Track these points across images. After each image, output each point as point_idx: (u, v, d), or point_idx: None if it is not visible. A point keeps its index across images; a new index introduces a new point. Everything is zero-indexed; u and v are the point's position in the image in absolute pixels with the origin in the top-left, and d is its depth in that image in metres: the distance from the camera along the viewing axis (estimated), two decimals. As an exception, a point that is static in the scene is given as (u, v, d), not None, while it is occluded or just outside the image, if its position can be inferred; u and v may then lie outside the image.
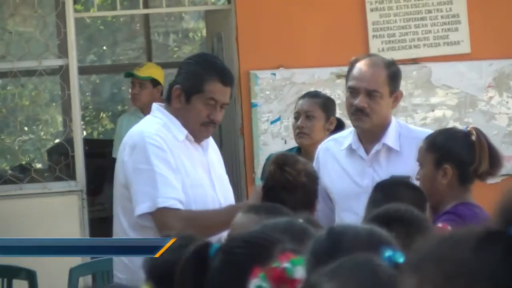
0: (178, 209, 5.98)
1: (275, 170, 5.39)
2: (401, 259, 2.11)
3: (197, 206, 6.04)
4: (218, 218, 5.91)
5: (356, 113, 6.03)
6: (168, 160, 6.06)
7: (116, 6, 10.81)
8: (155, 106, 6.32)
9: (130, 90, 11.24)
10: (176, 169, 6.10)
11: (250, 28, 10.22)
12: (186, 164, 6.10)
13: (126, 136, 6.28)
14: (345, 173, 6.24)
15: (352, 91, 6.05)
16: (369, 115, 6.02)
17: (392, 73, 6.12)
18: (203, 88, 5.95)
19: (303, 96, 7.64)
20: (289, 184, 5.24)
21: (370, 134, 6.14)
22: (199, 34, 15.52)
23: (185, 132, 5.99)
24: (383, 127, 6.15)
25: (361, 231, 2.73)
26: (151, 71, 10.73)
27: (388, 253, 2.25)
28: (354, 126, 6.17)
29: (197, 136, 6.15)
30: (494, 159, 5.42)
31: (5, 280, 8.41)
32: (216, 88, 6.00)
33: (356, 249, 2.42)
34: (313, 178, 5.49)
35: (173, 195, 5.95)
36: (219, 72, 6.14)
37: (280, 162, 5.44)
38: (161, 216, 6.01)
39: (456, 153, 5.40)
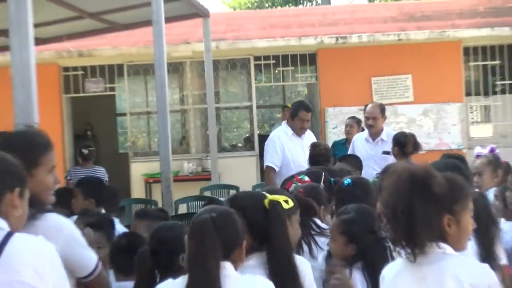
0: (272, 168, 9.08)
1: (312, 148, 8.29)
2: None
3: (295, 165, 8.68)
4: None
5: (368, 126, 9.56)
6: (275, 147, 9.11)
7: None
8: (283, 122, 9.52)
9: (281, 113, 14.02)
10: (281, 150, 9.12)
11: (326, 90, 14.71)
12: (290, 147, 9.07)
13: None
14: (364, 148, 9.37)
15: (367, 117, 9.54)
16: (373, 127, 9.42)
17: (381, 109, 9.53)
18: (297, 114, 9.05)
19: (352, 117, 11.33)
20: (321, 154, 8.13)
21: (375, 133, 9.43)
22: (304, 93, 17.66)
23: (291, 132, 9.08)
24: (380, 131, 9.43)
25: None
26: (289, 106, 11.18)
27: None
28: (370, 133, 9.58)
29: (298, 133, 9.11)
30: (415, 147, 8.46)
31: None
32: (303, 113, 9.09)
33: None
34: (329, 149, 8.56)
35: (271, 160, 9.07)
36: (304, 106, 9.25)
37: (312, 145, 8.41)
38: (266, 170, 9.36)
39: (398, 142, 8.55)
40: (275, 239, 3.66)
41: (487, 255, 4.31)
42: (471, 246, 4.10)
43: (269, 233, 3.66)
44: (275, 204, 3.73)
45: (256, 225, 3.68)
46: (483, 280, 3.23)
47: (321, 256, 4.57)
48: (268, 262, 3.64)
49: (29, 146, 3.70)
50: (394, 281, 3.39)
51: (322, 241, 4.72)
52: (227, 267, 3.27)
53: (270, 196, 3.75)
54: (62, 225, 3.68)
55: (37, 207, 3.53)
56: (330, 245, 4.42)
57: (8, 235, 3.04)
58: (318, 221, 4.86)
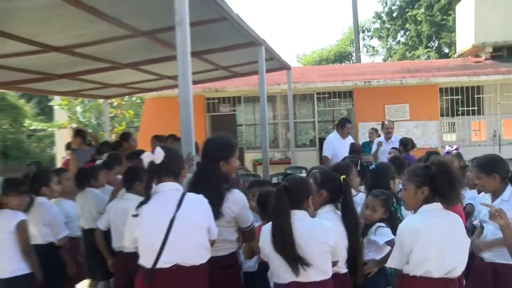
0: (326, 156, 8.84)
1: (351, 146, 8.42)
2: None
3: (340, 155, 7.94)
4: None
5: (387, 133, 9.65)
6: (328, 144, 8.97)
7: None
8: (334, 131, 9.18)
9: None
10: (332, 147, 8.89)
11: (358, 112, 14.51)
12: (337, 145, 8.89)
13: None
14: (382, 147, 9.35)
15: (387, 128, 9.62)
16: (390, 133, 9.60)
17: (393, 124, 9.87)
18: (345, 126, 8.93)
19: (383, 123, 9.98)
20: (356, 149, 8.25)
21: (389, 138, 9.56)
22: (345, 114, 15.78)
23: (339, 136, 8.96)
24: (392, 135, 9.65)
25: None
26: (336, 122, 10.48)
27: None
28: (385, 137, 9.67)
29: (343, 137, 8.93)
30: (412, 146, 8.73)
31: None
32: (347, 125, 8.99)
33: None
34: (360, 146, 9.07)
35: (325, 152, 8.95)
36: (348, 121, 9.04)
37: (351, 144, 8.61)
38: (323, 158, 9.05)
39: (403, 142, 8.71)
40: (348, 199, 3.66)
41: None
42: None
43: (345, 195, 3.66)
44: (346, 180, 3.70)
45: (333, 190, 3.69)
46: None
47: None
48: (344, 210, 3.65)
49: (229, 144, 3.78)
50: (432, 227, 3.26)
51: None
52: (295, 214, 3.28)
53: (343, 176, 3.75)
54: (241, 197, 3.72)
55: (228, 184, 3.67)
56: (367, 212, 4.29)
57: (184, 194, 3.24)
58: None
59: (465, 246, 3.33)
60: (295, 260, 3.18)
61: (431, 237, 3.21)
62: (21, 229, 4.37)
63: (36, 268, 4.42)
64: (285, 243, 3.20)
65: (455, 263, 3.23)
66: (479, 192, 4.41)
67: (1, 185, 4.55)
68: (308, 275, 3.23)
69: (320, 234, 3.29)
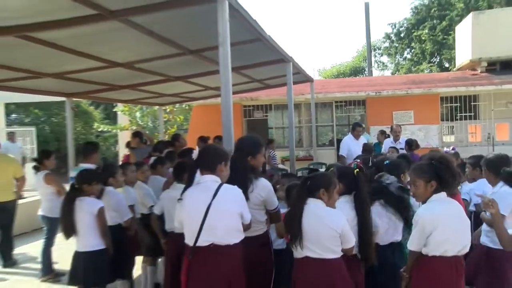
0: (343, 156, 8.62)
1: (364, 145, 8.17)
2: None
3: (355, 154, 7.74)
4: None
5: (396, 136, 9.14)
6: (344, 145, 8.78)
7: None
8: (349, 133, 9.01)
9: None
10: (347, 147, 8.67)
11: (370, 117, 14.16)
12: (352, 145, 8.68)
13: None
14: (389, 146, 8.73)
15: (395, 131, 9.13)
16: (398, 136, 9.10)
17: (401, 128, 9.44)
18: (356, 129, 8.81)
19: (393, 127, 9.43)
20: (368, 149, 7.94)
21: (397, 139, 9.05)
22: (358, 119, 15.02)
23: (353, 137, 8.76)
24: (400, 137, 9.15)
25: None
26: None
27: None
28: (394, 139, 9.13)
29: (356, 138, 8.72)
30: (417, 146, 8.18)
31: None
32: (358, 129, 8.83)
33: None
34: (372, 146, 8.64)
35: (342, 152, 8.73)
36: (358, 125, 8.90)
37: (364, 144, 8.39)
38: (340, 157, 8.78)
39: (408, 143, 8.23)
40: (361, 189, 3.60)
41: None
42: None
43: (358, 186, 3.60)
44: (360, 173, 3.68)
45: (348, 182, 3.63)
46: None
47: None
48: (356, 199, 3.58)
49: (257, 142, 3.81)
50: (447, 212, 3.21)
51: None
52: (311, 201, 3.32)
53: (356, 169, 3.70)
54: (266, 184, 3.72)
55: (256, 174, 3.70)
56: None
57: (220, 184, 3.27)
58: None
59: (469, 226, 3.32)
60: (297, 238, 3.26)
61: (448, 221, 3.18)
62: (101, 214, 4.54)
63: (109, 245, 4.59)
64: (293, 223, 3.28)
65: (465, 242, 3.22)
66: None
67: (81, 176, 4.66)
68: (319, 253, 3.28)
69: (329, 220, 3.29)
